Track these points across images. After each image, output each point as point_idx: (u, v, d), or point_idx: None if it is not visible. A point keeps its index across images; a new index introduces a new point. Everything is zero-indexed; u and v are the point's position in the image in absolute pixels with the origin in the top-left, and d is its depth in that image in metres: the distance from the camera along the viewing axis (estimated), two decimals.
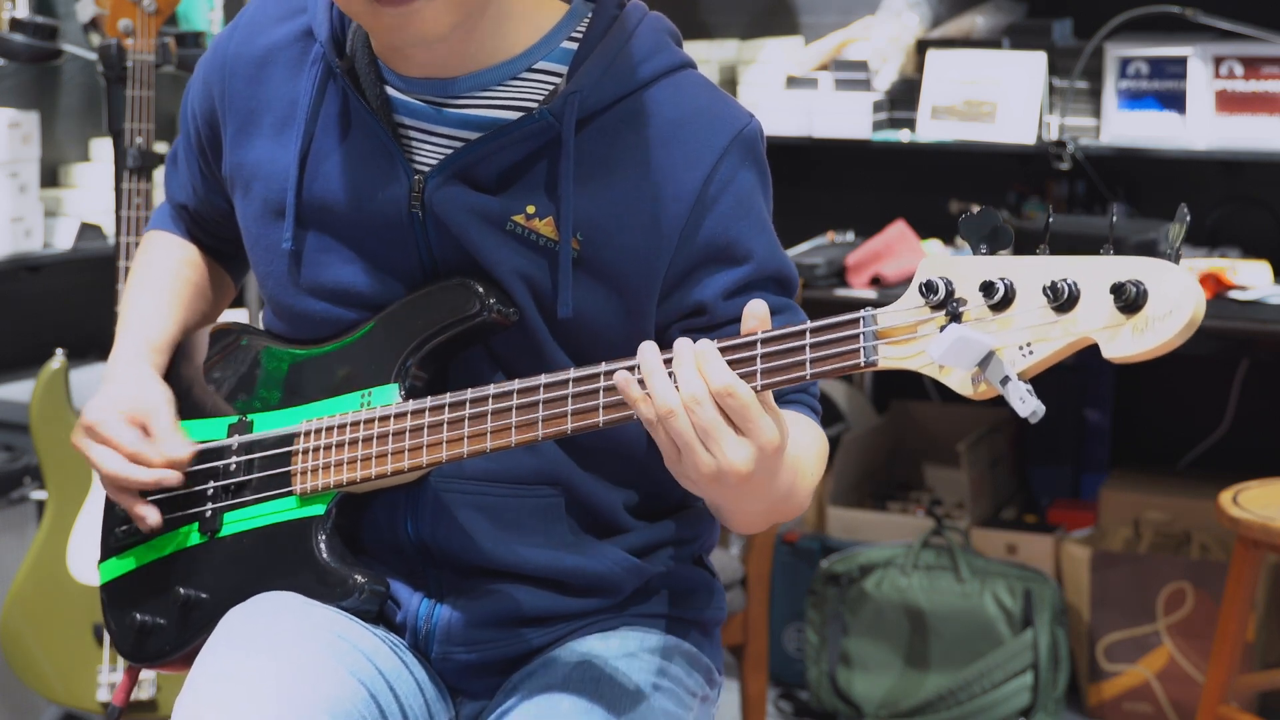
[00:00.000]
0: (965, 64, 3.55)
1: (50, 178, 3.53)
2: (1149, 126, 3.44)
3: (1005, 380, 1.25)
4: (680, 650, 1.66)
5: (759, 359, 1.36)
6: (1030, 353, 1.26)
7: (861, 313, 1.33)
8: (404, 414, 1.55)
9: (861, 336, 1.32)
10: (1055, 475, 3.82)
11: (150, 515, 1.67)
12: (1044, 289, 1.24)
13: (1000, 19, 3.67)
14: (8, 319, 3.56)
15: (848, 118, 3.60)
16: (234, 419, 1.70)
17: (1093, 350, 1.25)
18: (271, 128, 1.65)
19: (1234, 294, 3.19)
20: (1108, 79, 3.46)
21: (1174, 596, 3.37)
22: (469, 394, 1.51)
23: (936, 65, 3.57)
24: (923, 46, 3.64)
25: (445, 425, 1.52)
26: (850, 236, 3.80)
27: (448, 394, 1.53)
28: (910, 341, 1.31)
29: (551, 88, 1.58)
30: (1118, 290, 1.22)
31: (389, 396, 1.59)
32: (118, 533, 1.76)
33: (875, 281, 3.42)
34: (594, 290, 1.56)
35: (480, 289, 1.56)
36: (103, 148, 3.51)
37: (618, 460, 1.62)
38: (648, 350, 1.38)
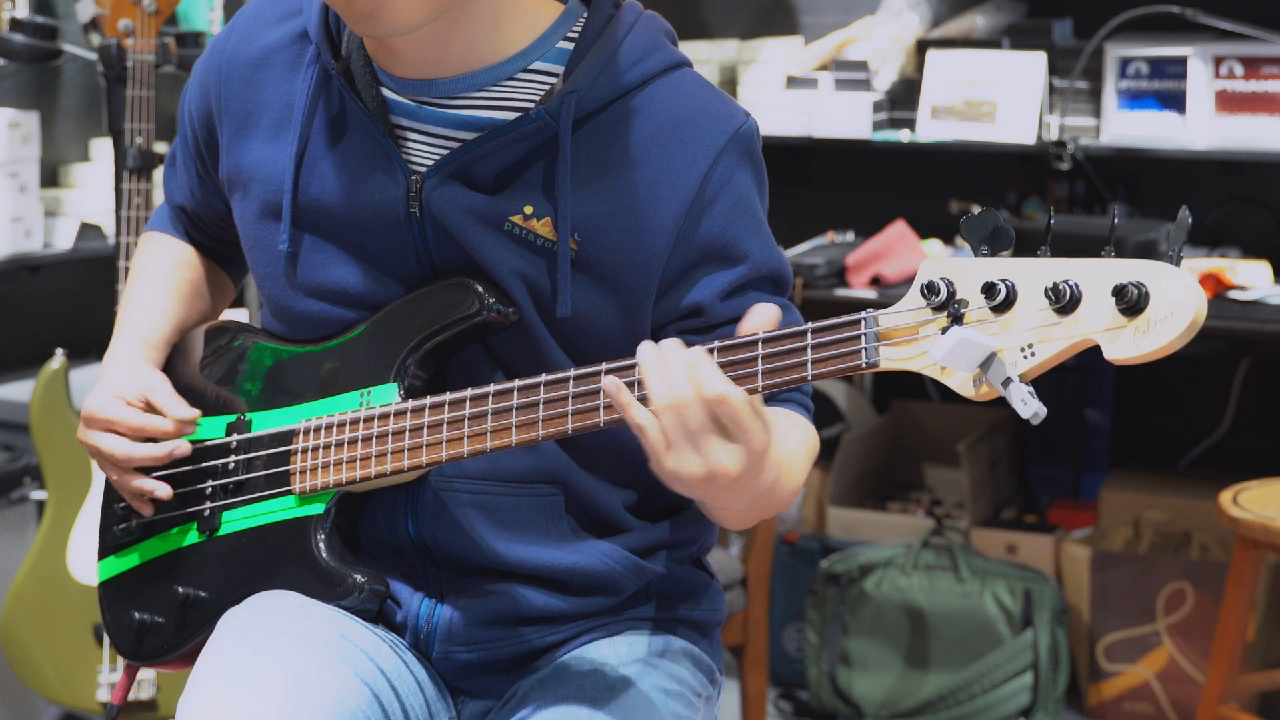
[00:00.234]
0: (965, 64, 3.55)
1: (50, 178, 3.53)
2: (1149, 126, 3.44)
3: (1007, 382, 1.25)
4: (685, 652, 1.67)
5: (760, 360, 1.36)
6: (1032, 354, 1.26)
7: (863, 314, 1.33)
8: (403, 413, 1.55)
9: (863, 338, 1.32)
10: (1055, 475, 3.82)
11: (160, 489, 1.67)
12: (1046, 291, 1.24)
13: (1000, 19, 3.67)
14: (8, 319, 3.56)
15: (848, 118, 3.60)
16: (232, 418, 1.70)
17: (1093, 350, 1.25)
18: (268, 129, 1.66)
19: (1234, 294, 3.18)
20: (1108, 79, 3.46)
21: (1174, 596, 3.37)
22: (469, 393, 1.51)
23: (936, 65, 3.57)
24: (923, 46, 3.64)
25: (445, 425, 1.52)
26: (850, 236, 3.80)
27: (447, 393, 1.53)
28: (912, 343, 1.31)
29: (548, 88, 1.58)
30: (1119, 292, 1.22)
31: (388, 396, 1.59)
32: (115, 531, 1.76)
33: (875, 281, 3.42)
34: (592, 290, 1.56)
35: (479, 288, 1.56)
36: (103, 148, 3.51)
37: (617, 460, 1.62)
38: (645, 352, 1.38)
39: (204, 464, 1.69)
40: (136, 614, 1.71)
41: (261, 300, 1.72)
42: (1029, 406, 1.25)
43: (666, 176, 1.55)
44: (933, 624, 3.39)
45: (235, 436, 1.68)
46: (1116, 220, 1.28)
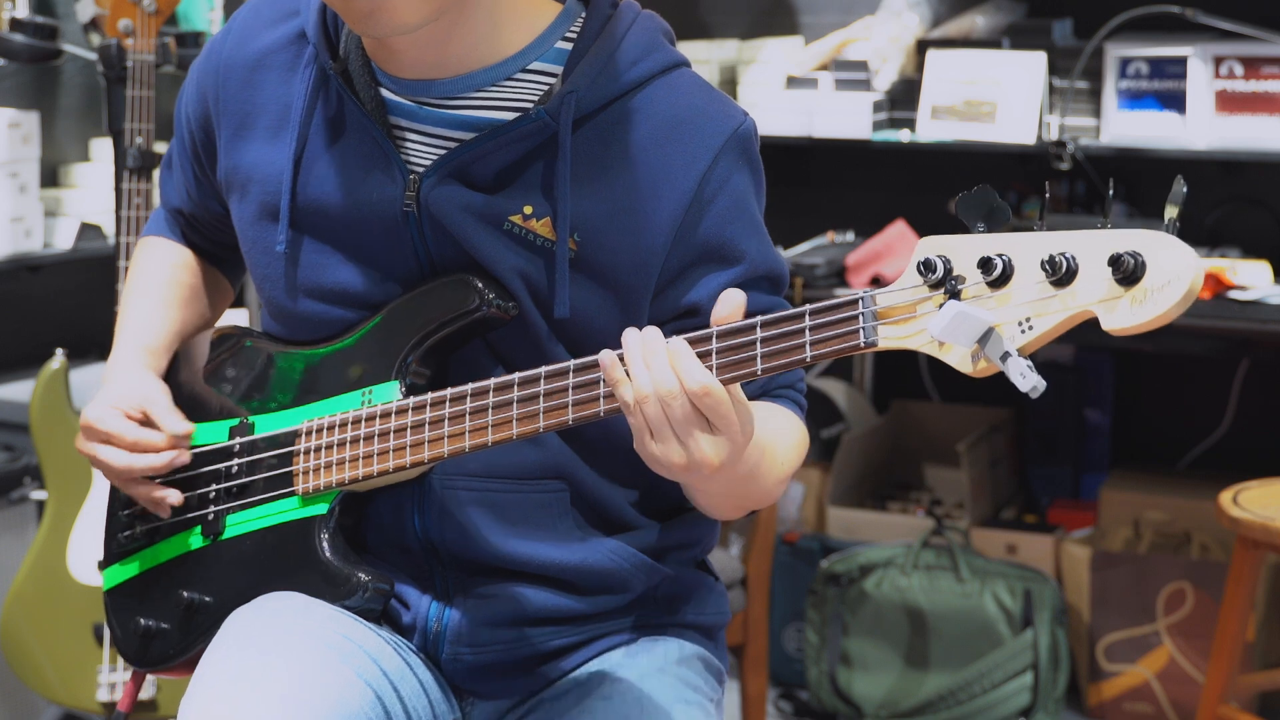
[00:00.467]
0: (965, 64, 3.55)
1: (50, 178, 3.53)
2: (1149, 126, 3.44)
3: (1005, 356, 1.25)
4: (697, 656, 1.68)
5: (759, 343, 1.36)
6: (1030, 328, 1.25)
7: (860, 293, 1.33)
8: (405, 410, 1.55)
9: (861, 317, 1.32)
10: (1055, 475, 3.82)
11: (170, 496, 1.68)
12: (1042, 263, 1.24)
13: (1000, 19, 3.67)
14: (8, 319, 3.56)
15: (848, 118, 3.60)
16: (235, 421, 1.70)
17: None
18: (266, 131, 1.65)
19: (1234, 294, 3.18)
20: (1108, 79, 3.46)
21: (1174, 596, 3.37)
22: (469, 388, 1.51)
23: (936, 65, 3.57)
24: (923, 46, 3.64)
25: (446, 420, 1.52)
26: (850, 236, 3.80)
27: (448, 389, 1.53)
28: (910, 321, 1.31)
29: (546, 88, 1.58)
30: (1116, 262, 1.21)
31: (390, 394, 1.59)
32: (120, 538, 1.76)
33: (875, 282, 3.42)
34: (590, 289, 1.57)
35: (479, 284, 1.56)
36: (103, 148, 3.51)
37: (621, 455, 1.62)
38: (630, 337, 1.39)
39: (207, 468, 1.69)
40: (142, 620, 1.71)
41: (261, 302, 1.72)
42: (1028, 380, 1.24)
43: (665, 176, 1.55)
44: (933, 624, 3.39)
45: (238, 440, 1.68)
46: (1112, 207, 1.27)
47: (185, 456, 1.68)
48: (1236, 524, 2.72)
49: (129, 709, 1.78)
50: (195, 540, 1.69)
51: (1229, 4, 3.40)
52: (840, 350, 1.33)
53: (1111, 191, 1.32)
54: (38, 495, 3.13)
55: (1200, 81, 3.37)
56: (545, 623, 1.63)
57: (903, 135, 3.60)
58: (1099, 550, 3.44)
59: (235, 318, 3.14)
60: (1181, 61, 3.38)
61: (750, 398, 1.46)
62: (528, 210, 1.56)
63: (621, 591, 1.64)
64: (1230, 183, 3.61)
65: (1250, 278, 3.25)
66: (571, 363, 1.45)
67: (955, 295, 1.28)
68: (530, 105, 1.57)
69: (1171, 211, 1.23)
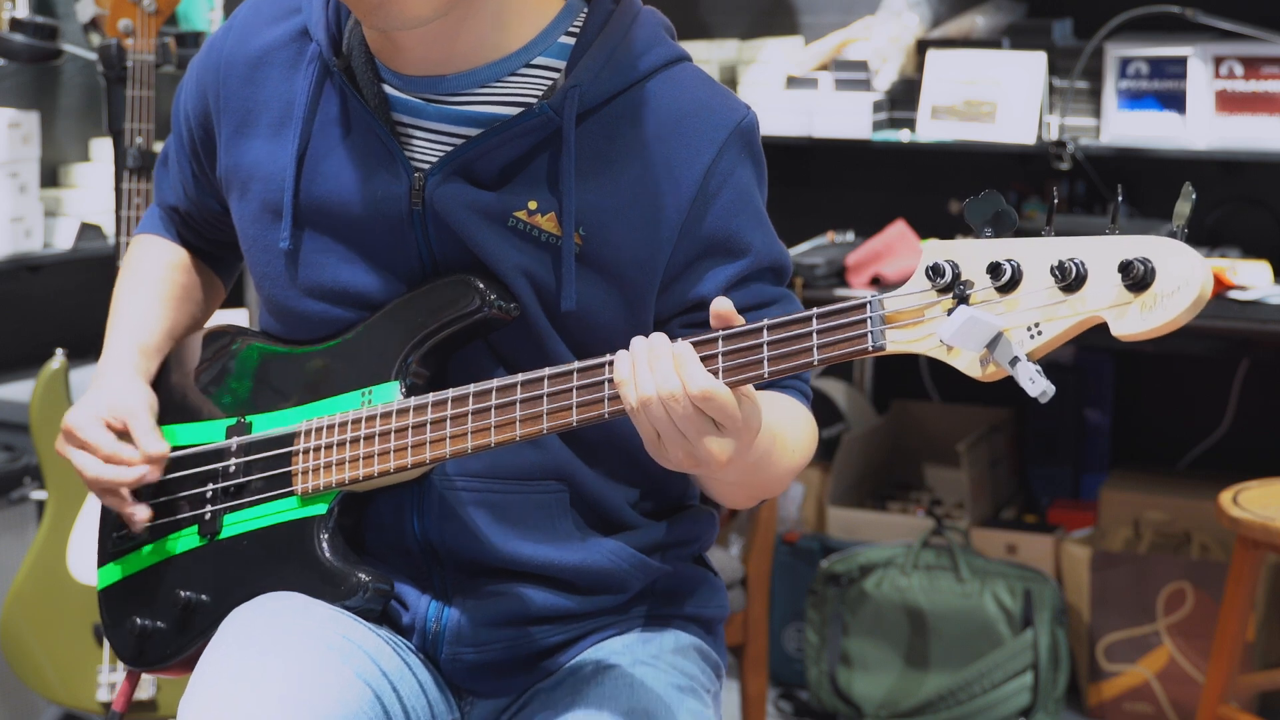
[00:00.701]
0: (965, 64, 3.55)
1: (50, 178, 3.52)
2: (1149, 126, 3.43)
3: (1014, 361, 1.25)
4: (694, 647, 1.68)
5: (765, 346, 1.36)
6: (1039, 333, 1.26)
7: (868, 297, 1.33)
8: (405, 411, 1.55)
9: (869, 321, 1.32)
10: (1055, 475, 3.81)
11: (139, 512, 1.68)
12: (1051, 269, 1.24)
13: (1000, 19, 3.67)
14: (8, 319, 3.56)
15: (848, 118, 3.59)
16: (232, 421, 1.69)
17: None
18: (268, 128, 1.65)
19: (1234, 294, 3.18)
20: (1108, 79, 3.46)
21: (1174, 596, 3.37)
22: (471, 388, 1.51)
23: (936, 65, 3.57)
24: (923, 46, 3.63)
25: (448, 421, 1.52)
26: (850, 236, 3.79)
27: (450, 390, 1.53)
28: (918, 325, 1.31)
29: (550, 83, 1.58)
30: (1125, 268, 1.22)
31: (390, 394, 1.58)
32: (114, 538, 1.76)
33: (875, 282, 3.42)
34: (595, 284, 1.57)
35: (480, 284, 1.56)
36: (103, 148, 3.51)
37: (621, 455, 1.62)
38: (637, 344, 1.40)
39: (204, 468, 1.69)
40: (138, 620, 1.71)
41: (260, 301, 1.72)
42: (1037, 385, 1.24)
43: (669, 171, 1.56)
44: (933, 624, 3.39)
45: (235, 439, 1.68)
46: (1118, 211, 1.28)
47: (155, 475, 1.68)
48: (1236, 524, 2.72)
49: (124, 709, 1.78)
50: (192, 540, 1.68)
51: (1229, 4, 3.40)
52: (848, 354, 1.34)
53: (1121, 197, 1.32)
54: (38, 495, 3.13)
55: (1200, 81, 3.36)
56: (544, 622, 1.63)
57: (903, 135, 3.60)
58: (1099, 550, 3.44)
59: (235, 317, 3.14)
60: (1181, 61, 3.38)
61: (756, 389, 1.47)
62: (532, 205, 1.56)
63: (620, 591, 1.64)
64: (1230, 183, 3.61)
65: (1250, 278, 3.25)
66: (575, 364, 1.45)
67: (964, 300, 1.28)
68: (534, 100, 1.57)
69: (1180, 218, 1.23)
